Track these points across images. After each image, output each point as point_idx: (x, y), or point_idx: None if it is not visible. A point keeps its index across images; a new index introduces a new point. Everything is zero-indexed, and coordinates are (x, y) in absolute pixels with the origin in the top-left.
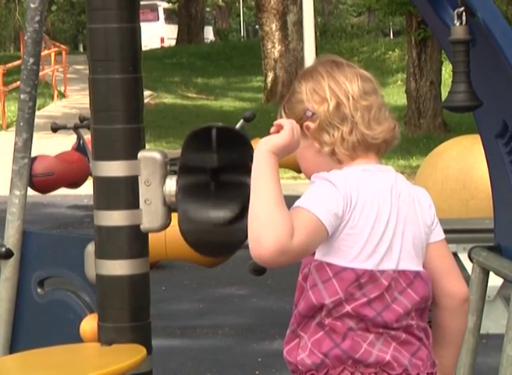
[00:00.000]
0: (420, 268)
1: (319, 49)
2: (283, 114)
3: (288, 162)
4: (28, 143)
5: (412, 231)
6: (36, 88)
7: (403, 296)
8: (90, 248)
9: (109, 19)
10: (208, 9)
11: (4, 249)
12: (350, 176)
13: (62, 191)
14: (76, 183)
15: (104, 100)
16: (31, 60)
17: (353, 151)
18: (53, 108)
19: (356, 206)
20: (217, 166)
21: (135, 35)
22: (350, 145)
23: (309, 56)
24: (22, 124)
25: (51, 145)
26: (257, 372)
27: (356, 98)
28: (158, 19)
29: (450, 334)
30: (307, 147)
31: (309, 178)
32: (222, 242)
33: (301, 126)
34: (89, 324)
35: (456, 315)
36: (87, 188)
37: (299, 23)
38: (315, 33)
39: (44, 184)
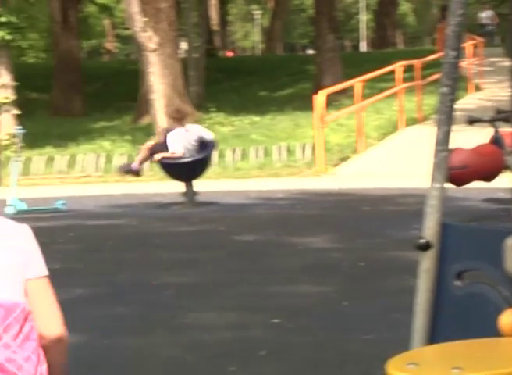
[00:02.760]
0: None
1: None
2: None
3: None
4: (448, 136)
5: None
6: (457, 81)
7: None
8: (510, 241)
9: None
10: None
11: (423, 241)
12: None
13: (476, 184)
14: (489, 177)
15: None
16: (453, 53)
17: None
18: (468, 101)
19: None
20: None
21: None
22: None
23: None
24: (442, 117)
25: (465, 138)
26: None
27: None
28: None
29: (52, 369)
30: None
31: None
32: None
33: None
34: (509, 318)
35: (50, 353)
36: (503, 181)
37: None
38: None
39: (459, 177)
